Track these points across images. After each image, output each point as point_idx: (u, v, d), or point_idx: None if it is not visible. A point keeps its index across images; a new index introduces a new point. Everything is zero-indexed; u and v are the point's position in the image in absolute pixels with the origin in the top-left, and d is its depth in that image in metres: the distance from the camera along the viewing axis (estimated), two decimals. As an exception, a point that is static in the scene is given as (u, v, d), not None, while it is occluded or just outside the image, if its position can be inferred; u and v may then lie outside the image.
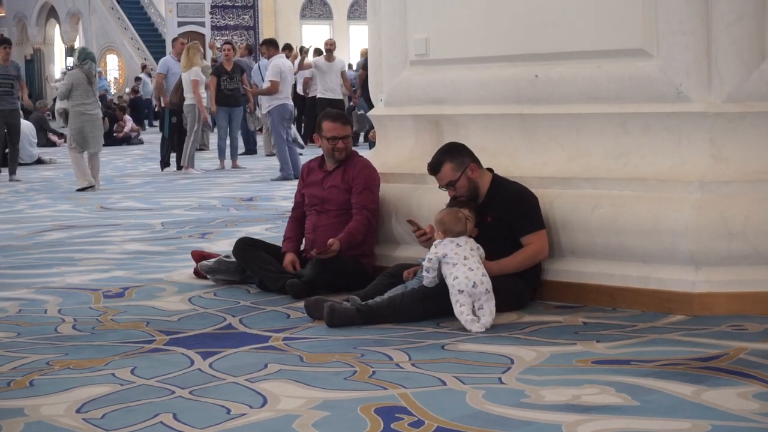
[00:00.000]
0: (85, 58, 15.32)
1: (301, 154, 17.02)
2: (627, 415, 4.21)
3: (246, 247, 7.20)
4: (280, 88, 15.85)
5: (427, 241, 6.31)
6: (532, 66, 6.69)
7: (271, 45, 17.34)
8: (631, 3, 6.26)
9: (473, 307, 5.80)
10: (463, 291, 5.80)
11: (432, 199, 6.78)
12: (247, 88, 18.68)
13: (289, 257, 7.12)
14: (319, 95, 19.99)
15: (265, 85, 16.35)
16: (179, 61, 17.73)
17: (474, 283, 5.80)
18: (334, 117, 7.29)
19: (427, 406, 4.38)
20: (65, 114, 16.70)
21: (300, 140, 19.86)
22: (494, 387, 4.67)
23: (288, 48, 23.11)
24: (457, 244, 5.95)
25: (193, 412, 4.41)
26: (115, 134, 26.99)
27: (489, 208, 6.31)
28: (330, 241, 6.84)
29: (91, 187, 14.86)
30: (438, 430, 4.10)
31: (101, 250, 9.17)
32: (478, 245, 6.04)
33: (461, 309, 5.79)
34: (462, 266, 5.86)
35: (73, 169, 15.21)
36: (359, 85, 19.69)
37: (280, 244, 7.36)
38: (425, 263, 5.98)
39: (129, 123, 28.24)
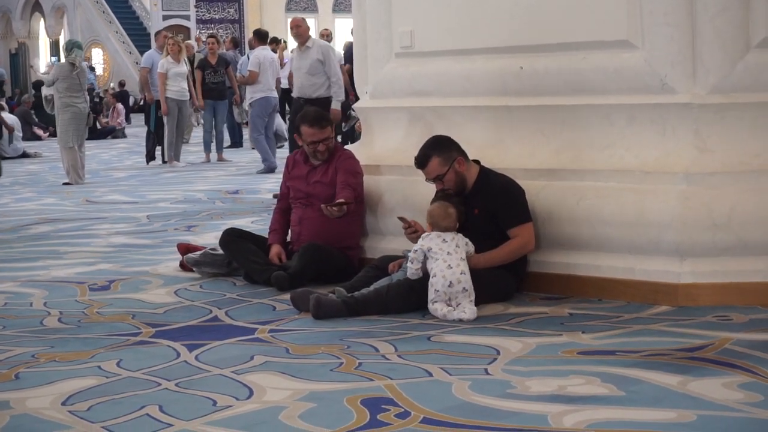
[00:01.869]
0: (72, 48, 15.32)
1: (281, 146, 16.98)
2: (613, 405, 4.22)
3: (232, 238, 7.19)
4: (260, 79, 15.80)
5: (418, 237, 6.32)
6: (518, 58, 6.69)
7: (255, 36, 17.24)
8: (616, -5, 6.27)
9: (450, 304, 5.82)
10: (438, 291, 5.82)
11: (418, 191, 6.78)
12: (233, 78, 18.63)
13: (275, 249, 7.12)
14: None
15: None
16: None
17: (450, 282, 5.82)
18: (311, 121, 7.17)
19: (414, 397, 4.38)
20: (51, 101, 16.65)
21: (285, 133, 19.79)
22: (480, 378, 4.68)
23: (275, 41, 23.00)
24: (444, 239, 5.96)
25: (179, 404, 4.41)
26: (106, 121, 27.01)
27: (475, 200, 6.31)
28: (340, 200, 6.85)
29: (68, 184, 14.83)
30: (424, 420, 4.11)
31: (87, 243, 9.16)
32: (468, 241, 6.04)
33: (435, 307, 5.82)
34: (442, 262, 5.87)
35: (64, 163, 15.12)
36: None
37: (266, 236, 7.35)
38: (410, 254, 5.99)
39: (122, 112, 28.29)
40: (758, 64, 6.08)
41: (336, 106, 12.57)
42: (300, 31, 13.11)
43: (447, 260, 5.88)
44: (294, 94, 13.05)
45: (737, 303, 5.84)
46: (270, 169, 15.41)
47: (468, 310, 5.77)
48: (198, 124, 21.75)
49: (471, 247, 6.06)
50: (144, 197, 13.01)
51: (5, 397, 4.59)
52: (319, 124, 7.13)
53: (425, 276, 5.94)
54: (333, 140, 7.24)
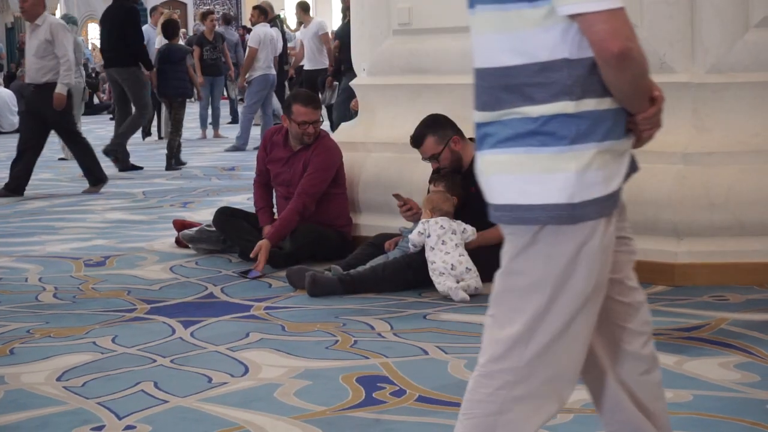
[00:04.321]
0: (67, 23, 15.26)
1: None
2: (608, 384, 4.21)
3: (226, 217, 7.16)
4: (260, 56, 15.64)
5: (413, 215, 6.29)
6: (516, 36, 6.65)
7: (256, 10, 17.02)
8: (616, -27, 6.23)
9: (457, 281, 5.81)
10: (444, 273, 5.80)
11: (414, 168, 6.77)
12: (227, 54, 18.54)
13: (268, 230, 7.05)
14: (306, 67, 18.97)
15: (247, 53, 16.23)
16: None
17: (452, 265, 5.80)
18: (305, 101, 7.04)
19: (409, 376, 4.38)
20: None
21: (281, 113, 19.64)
22: (476, 357, 4.65)
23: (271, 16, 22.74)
24: (441, 226, 5.93)
25: (174, 381, 4.41)
26: (103, 95, 27.00)
27: (472, 178, 6.25)
28: (258, 246, 6.62)
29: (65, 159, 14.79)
30: (420, 399, 4.11)
31: (82, 219, 9.15)
32: (466, 228, 6.00)
33: (443, 280, 5.78)
34: (439, 252, 5.85)
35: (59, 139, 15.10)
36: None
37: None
38: (415, 238, 5.94)
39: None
40: (757, 44, 6.05)
41: (61, 90, 10.66)
42: (26, 6, 10.96)
43: (442, 249, 5.85)
44: (26, 80, 11.19)
45: (734, 283, 5.84)
46: (238, 149, 15.42)
47: (472, 284, 5.76)
48: (193, 101, 21.63)
49: (470, 235, 5.99)
50: (140, 173, 12.98)
51: (0, 372, 4.58)
52: (313, 104, 7.07)
53: (422, 254, 5.93)
54: (320, 125, 7.12)
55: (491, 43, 2.45)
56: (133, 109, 13.64)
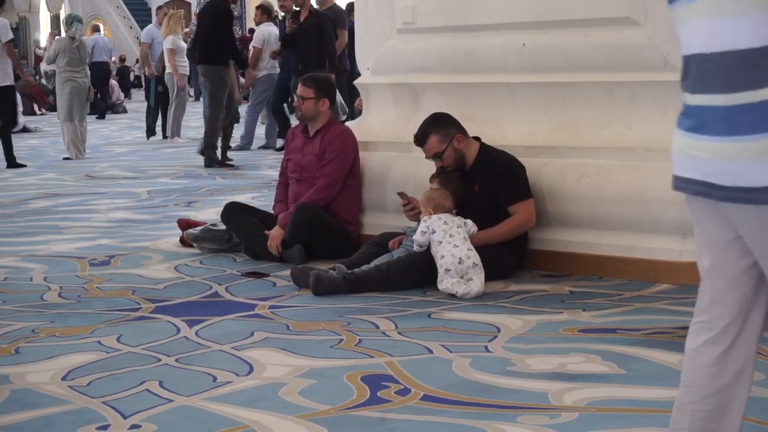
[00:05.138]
0: (72, 22, 15.32)
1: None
2: (613, 383, 4.22)
3: (234, 212, 7.19)
4: (264, 55, 15.66)
5: (417, 214, 6.30)
6: (519, 35, 6.67)
7: (259, 10, 17.03)
8: (619, -29, 6.24)
9: (462, 279, 5.81)
10: (450, 270, 5.81)
11: (417, 167, 6.77)
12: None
13: (283, 216, 7.06)
14: None
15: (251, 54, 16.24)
16: (164, 29, 17.62)
17: (460, 258, 5.81)
18: (303, 78, 7.40)
19: (414, 374, 4.38)
20: (52, 76, 16.57)
21: (287, 112, 19.69)
22: (481, 355, 4.68)
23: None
24: (445, 221, 5.95)
25: (179, 380, 4.41)
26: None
27: (476, 176, 6.30)
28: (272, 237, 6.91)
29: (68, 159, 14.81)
30: (424, 398, 4.10)
31: (87, 219, 9.15)
32: (466, 221, 6.02)
33: (447, 278, 5.79)
34: (447, 244, 5.87)
35: (64, 138, 15.11)
36: None
37: (267, 210, 7.35)
38: (419, 238, 5.95)
39: (116, 89, 28.11)
40: (761, 42, 6.04)
41: None
42: None
43: (450, 241, 5.87)
44: None
45: (738, 281, 5.82)
46: (241, 148, 15.44)
47: (477, 284, 5.76)
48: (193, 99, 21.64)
49: (471, 227, 6.03)
50: (144, 172, 13.00)
51: (5, 372, 4.59)
52: (305, 82, 7.25)
53: (426, 253, 5.94)
54: (313, 106, 7.16)
55: (727, 27, 2.46)
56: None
